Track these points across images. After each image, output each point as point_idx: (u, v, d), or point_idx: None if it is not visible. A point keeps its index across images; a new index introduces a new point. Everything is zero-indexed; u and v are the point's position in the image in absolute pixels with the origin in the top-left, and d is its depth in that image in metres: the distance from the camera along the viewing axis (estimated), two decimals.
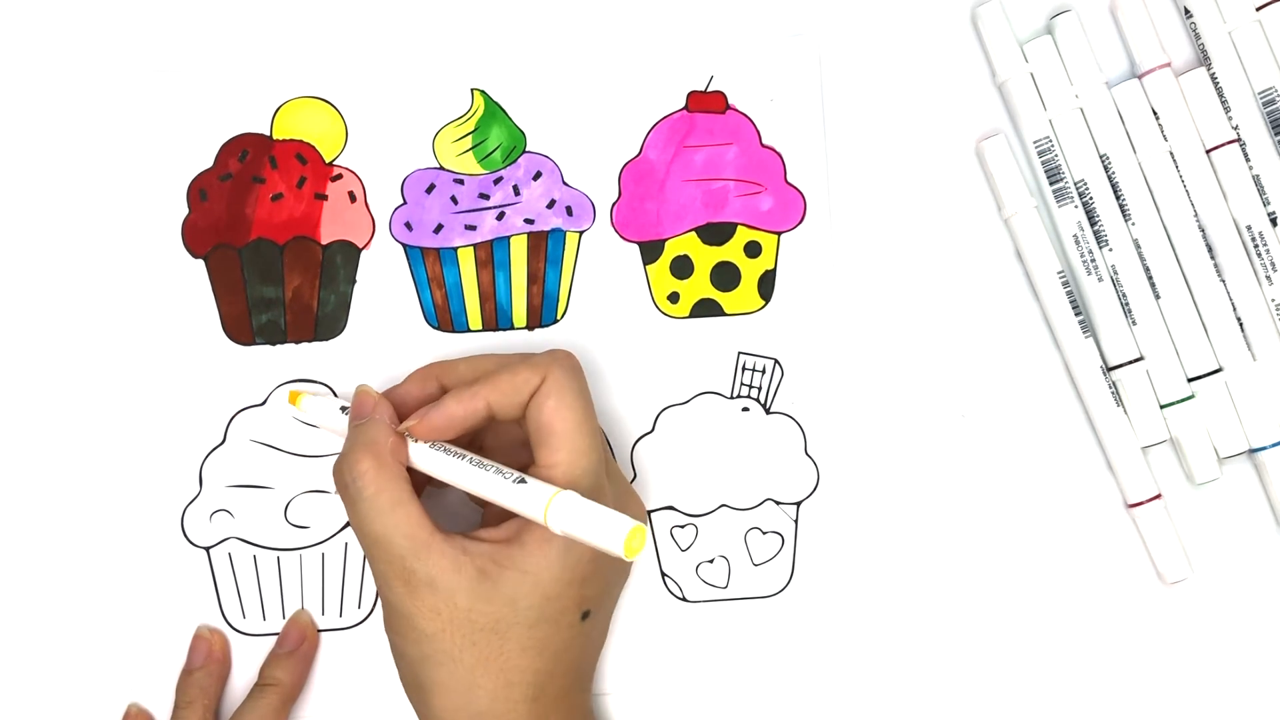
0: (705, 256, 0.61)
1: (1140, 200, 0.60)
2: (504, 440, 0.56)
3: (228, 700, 0.59)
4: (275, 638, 0.59)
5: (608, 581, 0.54)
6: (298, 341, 0.60)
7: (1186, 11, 0.61)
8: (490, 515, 0.56)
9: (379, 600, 0.59)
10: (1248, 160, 0.60)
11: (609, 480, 0.54)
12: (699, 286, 0.60)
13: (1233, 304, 0.60)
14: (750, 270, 0.60)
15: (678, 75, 0.61)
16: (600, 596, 0.54)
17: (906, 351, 0.61)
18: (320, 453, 0.60)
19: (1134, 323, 0.60)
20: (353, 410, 0.55)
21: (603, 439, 0.54)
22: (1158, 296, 0.60)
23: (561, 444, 0.52)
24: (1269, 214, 0.60)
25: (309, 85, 0.61)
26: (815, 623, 0.59)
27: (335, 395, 0.60)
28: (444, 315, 0.60)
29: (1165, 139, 0.60)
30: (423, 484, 0.55)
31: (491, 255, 0.60)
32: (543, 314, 0.60)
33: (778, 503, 0.60)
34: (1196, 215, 0.60)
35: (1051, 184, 0.60)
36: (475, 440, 0.56)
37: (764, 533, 0.60)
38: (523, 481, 0.50)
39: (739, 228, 0.61)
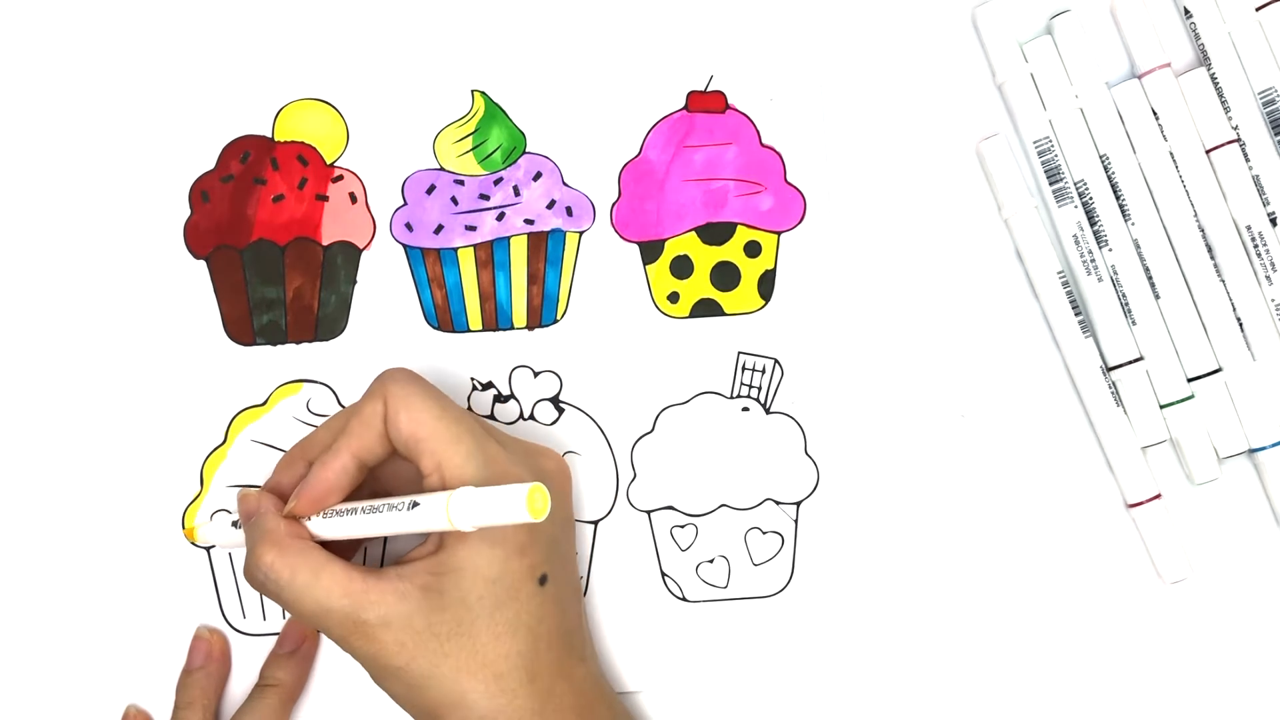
0: (705, 256, 0.61)
1: (1140, 200, 0.60)
2: (402, 476, 0.55)
3: (228, 701, 0.59)
4: (275, 638, 0.59)
5: (550, 540, 0.53)
6: (298, 342, 0.60)
7: (1186, 11, 0.61)
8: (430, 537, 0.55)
9: None
10: (1248, 160, 0.60)
11: (502, 448, 0.53)
12: (699, 286, 0.61)
13: (1233, 304, 0.60)
14: (750, 270, 0.60)
15: (677, 75, 0.61)
16: (549, 558, 0.53)
17: (906, 351, 0.61)
18: None
19: (1134, 323, 0.60)
20: (240, 514, 0.55)
21: (474, 419, 0.53)
22: (1157, 296, 0.60)
23: (433, 444, 0.51)
24: (1269, 214, 0.60)
25: (310, 87, 0.61)
26: (815, 623, 0.59)
27: (337, 397, 0.60)
28: (444, 315, 0.60)
29: (1165, 139, 0.60)
30: (349, 547, 0.56)
31: (491, 255, 0.61)
32: (543, 314, 0.60)
33: (778, 503, 0.60)
34: (1196, 215, 0.60)
35: (1051, 184, 0.60)
36: (377, 489, 0.55)
37: (764, 533, 0.60)
38: (415, 505, 0.50)
39: (739, 227, 0.61)
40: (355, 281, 0.61)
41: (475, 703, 0.51)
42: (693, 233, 0.61)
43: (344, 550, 0.54)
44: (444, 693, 0.51)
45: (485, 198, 0.61)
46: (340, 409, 0.57)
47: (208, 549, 0.59)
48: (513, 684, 0.51)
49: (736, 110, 0.61)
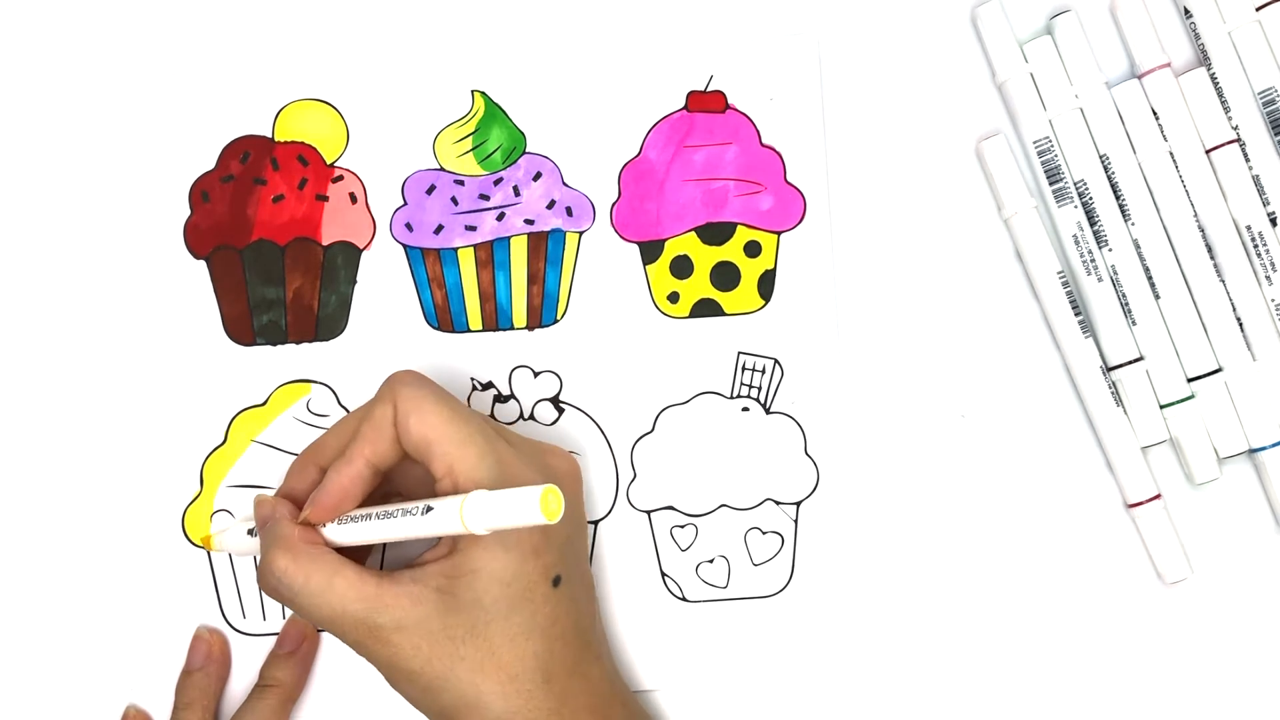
0: (705, 256, 0.61)
1: (1140, 200, 0.60)
2: (413, 477, 0.55)
3: (228, 701, 0.59)
4: (275, 638, 0.59)
5: (564, 540, 0.53)
6: (299, 342, 0.60)
7: (1186, 11, 0.61)
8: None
9: None
10: (1248, 160, 0.60)
11: (512, 449, 0.53)
12: (699, 286, 0.61)
13: (1233, 304, 0.60)
14: (750, 270, 0.60)
15: (677, 75, 0.61)
16: (563, 559, 0.53)
17: (906, 351, 0.61)
18: None
19: (1134, 323, 0.60)
20: (255, 520, 0.55)
21: (483, 420, 0.53)
22: (1158, 296, 0.60)
23: (444, 446, 0.51)
24: (1269, 214, 0.60)
25: (310, 87, 0.61)
26: (815, 623, 0.59)
27: (337, 397, 0.60)
28: (444, 315, 0.60)
29: (1165, 139, 0.60)
30: (365, 549, 0.56)
31: (492, 256, 0.61)
32: (543, 314, 0.60)
33: (778, 503, 0.60)
34: (1196, 215, 0.60)
35: (1051, 184, 0.60)
36: (389, 490, 0.55)
37: (764, 533, 0.60)
38: (429, 509, 0.50)
39: (739, 227, 0.61)
40: (355, 281, 0.61)
41: (491, 704, 0.51)
42: (693, 233, 0.61)
43: (358, 552, 0.54)
44: (460, 695, 0.51)
45: (485, 198, 0.61)
46: (345, 412, 0.57)
47: (218, 556, 0.59)
48: (529, 685, 0.51)
49: (736, 110, 0.61)
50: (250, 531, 0.56)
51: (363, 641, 0.51)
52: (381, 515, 0.52)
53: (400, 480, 0.55)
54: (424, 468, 0.52)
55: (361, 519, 0.52)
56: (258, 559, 0.57)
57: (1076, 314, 0.60)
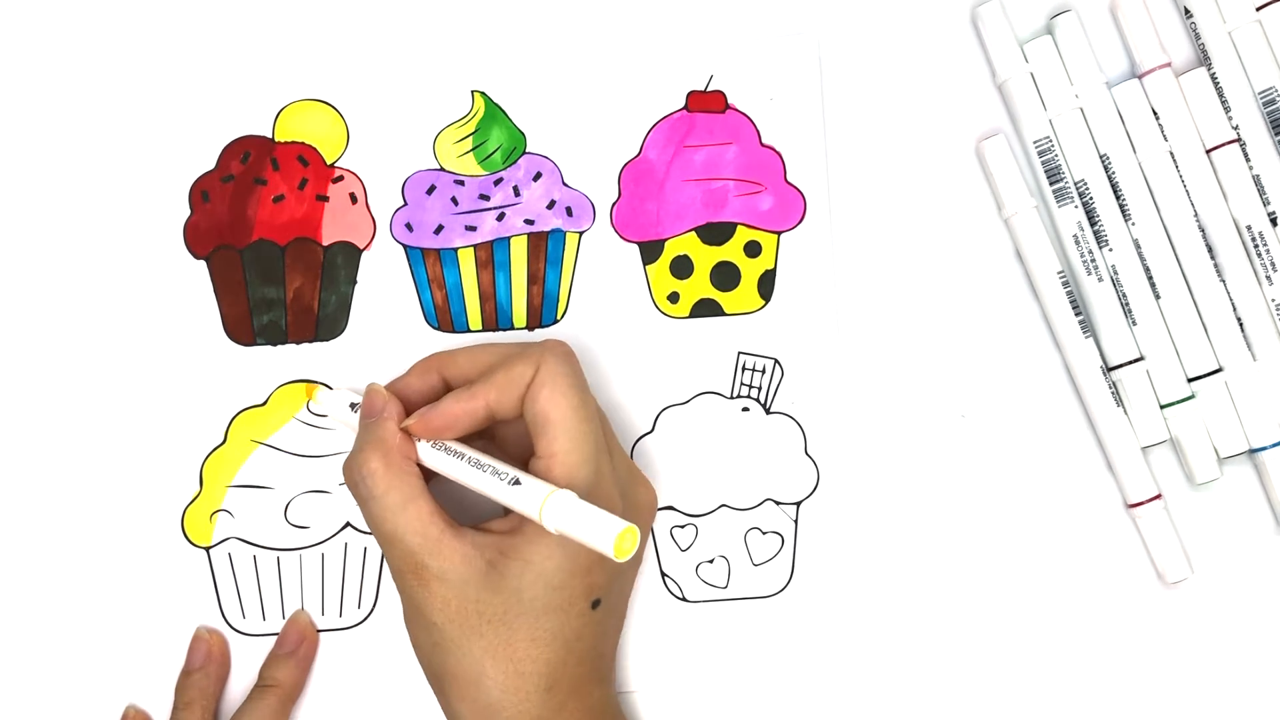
0: (705, 256, 0.61)
1: (1140, 200, 0.60)
2: (514, 428, 0.55)
3: (228, 701, 0.59)
4: (275, 638, 0.59)
5: (616, 569, 0.54)
6: (299, 342, 0.60)
7: (1186, 11, 0.61)
8: None
9: (378, 601, 0.59)
10: (1248, 160, 0.60)
11: (613, 464, 0.54)
12: (699, 286, 0.61)
13: (1233, 304, 0.60)
14: (750, 270, 0.60)
15: (677, 75, 0.61)
16: (609, 584, 0.54)
17: (906, 351, 0.61)
18: (321, 453, 0.60)
19: (1134, 323, 0.60)
20: (363, 408, 0.55)
21: (601, 425, 0.54)
22: (1158, 296, 0.60)
23: (558, 433, 0.52)
24: (1269, 214, 0.60)
25: (311, 87, 0.61)
26: (815, 623, 0.59)
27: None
28: (444, 315, 0.60)
29: (1165, 139, 0.60)
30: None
31: (492, 256, 0.61)
32: (543, 314, 0.60)
33: (778, 503, 0.60)
34: (1196, 215, 0.60)
35: (1051, 184, 0.60)
36: (485, 430, 0.56)
37: (764, 533, 0.60)
38: (517, 483, 0.51)
39: (739, 227, 0.61)
40: (355, 282, 0.61)
41: (488, 689, 0.52)
42: (693, 233, 0.61)
43: (427, 472, 0.55)
44: (463, 666, 0.52)
45: (485, 198, 0.61)
46: (348, 411, 0.57)
47: (218, 557, 0.59)
48: (529, 686, 0.52)
49: (736, 110, 0.61)
50: (352, 406, 0.57)
51: (404, 571, 0.52)
52: (472, 462, 0.53)
53: (500, 425, 0.56)
54: (529, 433, 0.53)
55: (454, 454, 0.53)
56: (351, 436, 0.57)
57: (1077, 314, 0.60)
